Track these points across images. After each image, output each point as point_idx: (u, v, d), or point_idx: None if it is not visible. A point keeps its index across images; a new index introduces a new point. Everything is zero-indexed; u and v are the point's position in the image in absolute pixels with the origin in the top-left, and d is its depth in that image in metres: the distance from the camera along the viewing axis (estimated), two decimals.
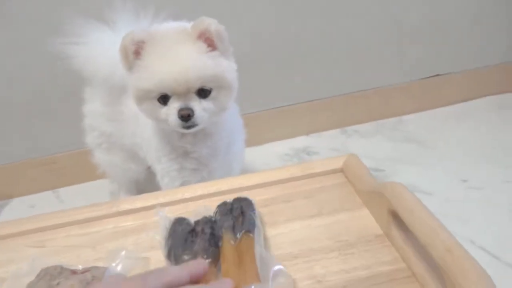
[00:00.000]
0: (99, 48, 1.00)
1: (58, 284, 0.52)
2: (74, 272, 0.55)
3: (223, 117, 0.90)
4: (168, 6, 0.93)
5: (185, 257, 0.53)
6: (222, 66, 0.79)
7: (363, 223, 0.61)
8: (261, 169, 1.32)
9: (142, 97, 0.82)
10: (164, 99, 0.80)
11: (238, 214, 0.59)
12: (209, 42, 0.77)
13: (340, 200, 0.66)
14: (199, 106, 0.79)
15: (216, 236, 0.56)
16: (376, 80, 1.54)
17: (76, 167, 1.44)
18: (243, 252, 0.53)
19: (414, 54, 1.52)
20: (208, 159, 0.95)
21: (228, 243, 0.54)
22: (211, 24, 0.75)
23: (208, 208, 0.63)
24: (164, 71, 0.76)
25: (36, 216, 0.70)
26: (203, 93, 0.79)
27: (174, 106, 0.79)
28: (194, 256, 0.53)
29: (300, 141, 1.52)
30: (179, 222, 0.60)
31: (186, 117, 0.78)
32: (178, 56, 0.76)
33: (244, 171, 1.09)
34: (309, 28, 1.41)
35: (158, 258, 0.57)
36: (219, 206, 0.62)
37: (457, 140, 1.38)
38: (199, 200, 0.70)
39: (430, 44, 1.51)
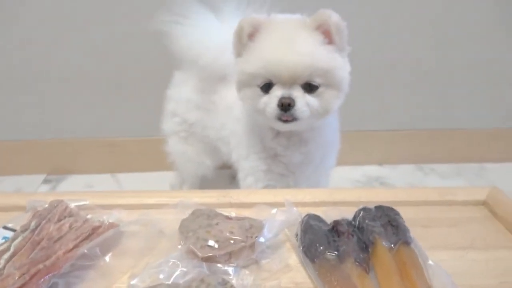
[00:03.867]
0: (205, 33, 0.96)
1: (217, 224, 0.53)
2: (228, 217, 0.56)
3: (323, 125, 0.85)
4: (279, 5, 0.88)
5: (329, 255, 0.49)
6: (336, 62, 0.74)
7: None
8: None
9: (245, 83, 0.78)
10: (267, 87, 0.75)
11: (385, 222, 0.54)
12: (327, 34, 0.73)
13: (491, 235, 0.58)
14: (302, 98, 0.73)
15: (362, 241, 0.52)
16: (462, 120, 1.46)
17: (138, 154, 1.39)
18: (405, 263, 0.48)
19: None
20: (297, 167, 0.88)
21: (384, 250, 0.49)
22: (332, 16, 0.72)
23: (342, 211, 0.58)
24: (274, 54, 0.72)
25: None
26: (309, 87, 0.74)
27: (275, 94, 0.74)
28: (341, 257, 0.49)
29: (373, 170, 1.44)
30: (314, 218, 0.56)
31: (286, 106, 0.72)
32: (292, 42, 0.72)
33: None
34: (400, 56, 1.35)
35: None
36: (362, 210, 0.56)
37: None
38: (321, 207, 0.62)
39: None
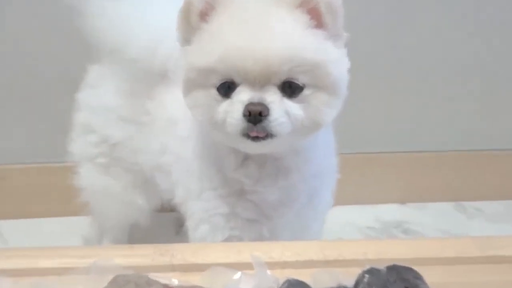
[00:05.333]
0: (137, 11, 1.00)
1: None
2: (166, 286, 0.58)
3: (311, 145, 0.88)
4: None
5: None
6: (329, 54, 0.77)
7: None
8: None
9: (195, 82, 0.79)
10: (227, 88, 0.76)
11: None
12: (315, 15, 0.76)
13: None
14: (279, 104, 0.74)
15: None
16: None
17: (30, 191, 1.39)
18: None
19: None
20: (275, 209, 0.91)
21: None
22: None
23: (339, 275, 0.60)
24: (238, 40, 0.74)
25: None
26: (289, 88, 0.75)
27: (240, 99, 0.74)
28: None
29: (392, 211, 1.48)
30: (296, 285, 0.57)
31: (256, 115, 0.73)
32: (264, 23, 0.75)
33: None
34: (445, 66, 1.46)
35: None
36: (368, 273, 0.58)
37: None
38: (308, 268, 0.64)
39: None
